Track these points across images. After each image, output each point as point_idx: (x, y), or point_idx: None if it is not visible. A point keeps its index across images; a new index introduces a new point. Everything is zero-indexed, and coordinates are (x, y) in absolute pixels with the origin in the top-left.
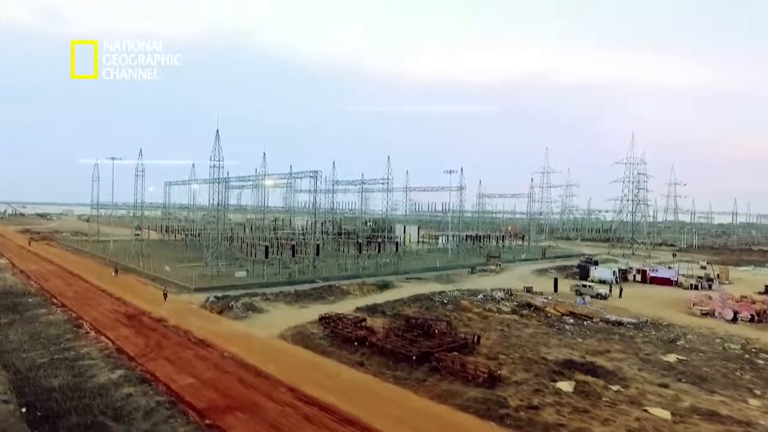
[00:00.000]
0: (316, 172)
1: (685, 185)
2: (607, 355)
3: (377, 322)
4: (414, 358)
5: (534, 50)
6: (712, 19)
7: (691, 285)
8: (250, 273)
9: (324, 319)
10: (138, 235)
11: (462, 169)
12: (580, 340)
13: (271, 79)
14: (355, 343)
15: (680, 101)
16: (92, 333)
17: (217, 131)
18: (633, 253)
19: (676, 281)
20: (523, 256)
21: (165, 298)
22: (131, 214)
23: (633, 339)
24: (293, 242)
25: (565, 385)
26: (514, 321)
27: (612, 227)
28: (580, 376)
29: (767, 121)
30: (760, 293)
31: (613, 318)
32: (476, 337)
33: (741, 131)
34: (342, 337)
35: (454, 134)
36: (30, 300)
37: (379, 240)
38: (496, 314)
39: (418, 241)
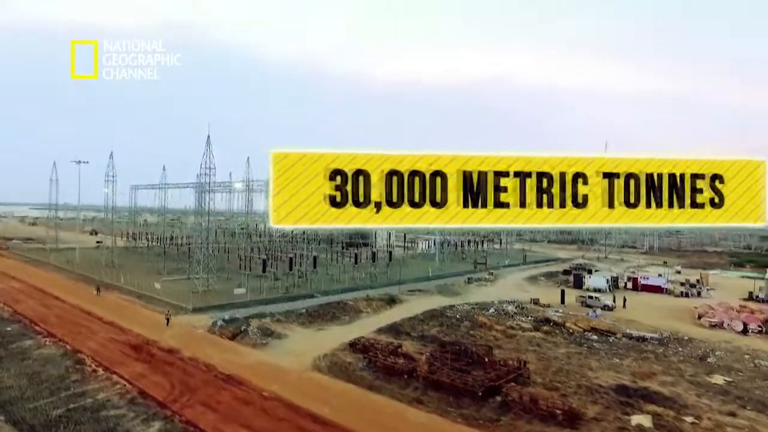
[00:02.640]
0: None
1: None
2: (655, 379)
3: (408, 347)
4: (480, 393)
5: (491, 56)
6: (654, 31)
7: (682, 293)
8: (243, 285)
9: (356, 346)
10: (100, 242)
11: None
12: (617, 360)
13: (223, 74)
14: (405, 376)
15: (622, 106)
16: (101, 371)
17: (208, 137)
18: (606, 257)
19: (666, 289)
20: (506, 262)
21: (168, 323)
22: (81, 217)
23: (666, 357)
24: (290, 254)
25: (643, 420)
26: (541, 339)
27: (576, 229)
28: (649, 407)
29: (703, 127)
30: (745, 299)
31: (635, 333)
32: (522, 362)
33: (680, 135)
34: (385, 369)
35: (415, 132)
36: (8, 328)
37: (373, 250)
38: (520, 332)
39: (404, 247)
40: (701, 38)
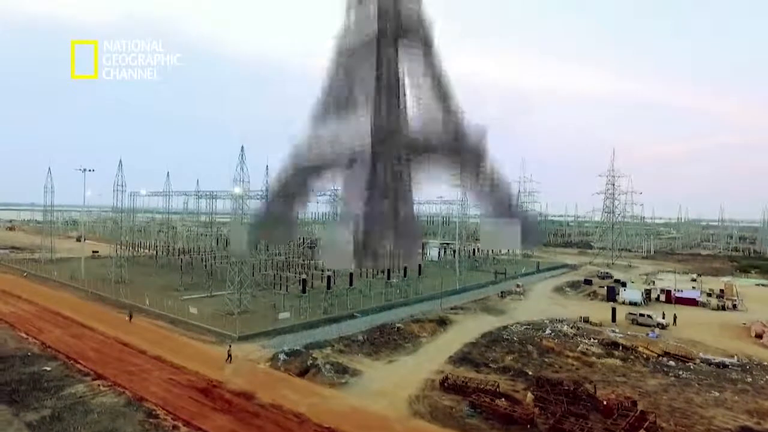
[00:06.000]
0: (336, 190)
1: (640, 193)
2: None
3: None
4: None
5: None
6: (616, 32)
7: (718, 306)
8: (279, 306)
9: (445, 385)
10: (96, 252)
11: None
12: (717, 393)
13: (196, 71)
14: (528, 426)
15: (583, 107)
16: (182, 426)
17: (242, 147)
18: (613, 263)
19: (700, 301)
20: (523, 270)
21: (229, 360)
22: (61, 219)
23: (763, 389)
24: (328, 272)
25: None
26: (623, 368)
27: (571, 234)
28: None
29: (665, 128)
30: None
31: (713, 359)
32: (634, 403)
33: (643, 136)
34: (499, 416)
35: None
36: (47, 368)
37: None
38: (595, 359)
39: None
40: (662, 41)
